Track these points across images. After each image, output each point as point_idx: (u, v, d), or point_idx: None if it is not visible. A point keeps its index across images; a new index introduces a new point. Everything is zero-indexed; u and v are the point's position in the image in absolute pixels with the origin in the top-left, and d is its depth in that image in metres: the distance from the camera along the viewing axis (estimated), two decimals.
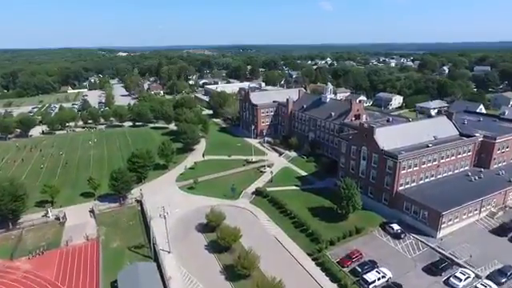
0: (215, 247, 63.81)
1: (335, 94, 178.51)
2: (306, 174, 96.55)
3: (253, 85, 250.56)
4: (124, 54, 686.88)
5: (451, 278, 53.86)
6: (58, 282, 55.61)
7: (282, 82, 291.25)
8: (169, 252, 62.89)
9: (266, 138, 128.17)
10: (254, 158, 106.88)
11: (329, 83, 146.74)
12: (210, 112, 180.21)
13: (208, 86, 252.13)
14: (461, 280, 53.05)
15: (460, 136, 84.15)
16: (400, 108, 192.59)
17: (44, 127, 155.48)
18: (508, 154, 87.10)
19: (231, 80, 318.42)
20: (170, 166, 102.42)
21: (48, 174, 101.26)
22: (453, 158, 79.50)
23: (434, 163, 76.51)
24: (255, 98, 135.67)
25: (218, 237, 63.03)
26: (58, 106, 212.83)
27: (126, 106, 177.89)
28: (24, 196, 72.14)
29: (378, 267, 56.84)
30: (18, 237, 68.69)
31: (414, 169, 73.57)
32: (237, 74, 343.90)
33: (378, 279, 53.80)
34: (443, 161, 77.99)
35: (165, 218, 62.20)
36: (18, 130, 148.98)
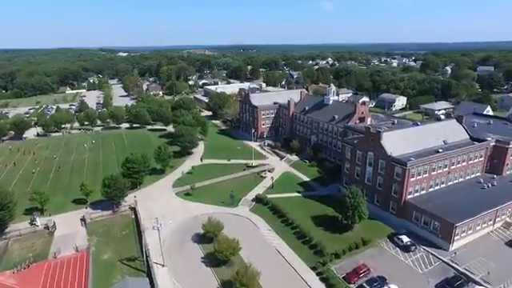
0: (212, 260, 59.78)
1: (338, 95, 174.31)
2: (308, 179, 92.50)
3: (253, 85, 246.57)
4: (124, 54, 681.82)
5: None
6: None
7: (283, 83, 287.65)
8: (163, 265, 58.96)
9: (267, 141, 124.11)
10: (254, 162, 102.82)
11: (332, 84, 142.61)
12: (210, 113, 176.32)
13: (208, 87, 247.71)
14: None
15: (471, 140, 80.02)
16: (404, 109, 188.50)
17: (39, 129, 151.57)
18: None
19: (231, 80, 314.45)
20: (166, 170, 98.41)
21: (40, 179, 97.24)
22: (464, 163, 75.36)
23: (445, 169, 72.39)
24: (255, 99, 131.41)
25: (215, 249, 58.94)
26: (54, 107, 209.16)
27: (123, 108, 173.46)
28: (10, 204, 68.23)
29: (387, 284, 52.75)
30: (3, 248, 64.76)
31: (424, 176, 69.45)
32: (237, 74, 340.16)
33: None
34: (454, 167, 73.88)
35: (158, 229, 58.27)
36: (12, 132, 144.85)
